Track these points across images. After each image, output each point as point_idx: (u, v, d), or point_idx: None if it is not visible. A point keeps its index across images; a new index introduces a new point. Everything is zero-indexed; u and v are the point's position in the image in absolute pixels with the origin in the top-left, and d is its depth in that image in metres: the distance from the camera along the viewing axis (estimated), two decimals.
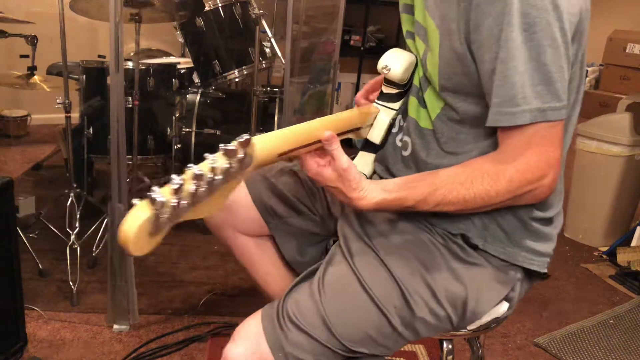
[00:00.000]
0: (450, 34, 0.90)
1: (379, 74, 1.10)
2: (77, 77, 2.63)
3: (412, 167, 1.04)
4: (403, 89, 1.06)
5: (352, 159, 1.13)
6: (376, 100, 1.09)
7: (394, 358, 1.87)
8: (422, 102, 1.01)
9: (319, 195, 1.23)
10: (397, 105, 1.07)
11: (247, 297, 2.17)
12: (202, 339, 1.90)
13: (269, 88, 2.88)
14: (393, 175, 1.07)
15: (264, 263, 1.29)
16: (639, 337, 2.14)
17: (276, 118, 2.77)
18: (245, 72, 2.74)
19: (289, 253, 1.24)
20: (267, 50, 2.78)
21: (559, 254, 2.75)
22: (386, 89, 1.08)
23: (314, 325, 0.94)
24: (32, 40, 2.47)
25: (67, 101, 2.25)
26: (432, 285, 0.97)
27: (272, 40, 2.73)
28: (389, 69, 1.03)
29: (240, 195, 1.21)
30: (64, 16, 2.17)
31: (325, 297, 0.96)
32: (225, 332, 1.93)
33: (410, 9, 1.03)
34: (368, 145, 1.11)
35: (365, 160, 1.12)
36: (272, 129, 2.73)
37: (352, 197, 0.91)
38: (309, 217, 1.24)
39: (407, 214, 1.03)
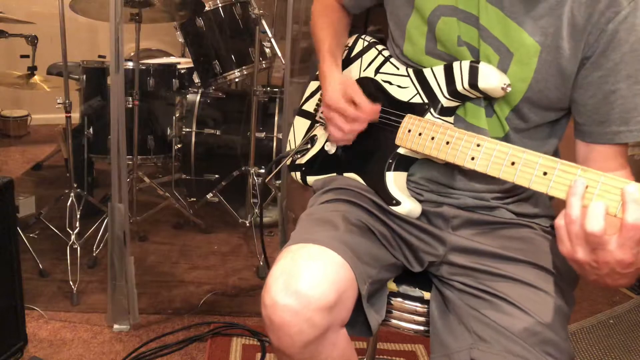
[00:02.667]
0: (559, 51, 0.93)
1: None
2: (77, 77, 2.63)
3: (480, 178, 1.03)
4: (463, 102, 1.03)
5: (376, 181, 1.09)
6: (436, 116, 1.03)
7: (394, 358, 1.88)
8: (491, 112, 1.02)
9: (391, 238, 1.06)
10: (452, 119, 1.04)
11: (247, 297, 2.17)
12: (202, 339, 1.90)
13: (269, 88, 2.88)
14: (454, 190, 1.06)
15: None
16: (639, 337, 2.14)
17: (276, 118, 2.77)
18: (245, 72, 2.74)
19: (373, 317, 1.00)
20: (267, 50, 2.78)
21: None
22: (448, 103, 1.02)
23: None
24: (32, 40, 2.48)
25: (67, 101, 2.25)
26: (568, 271, 1.00)
27: (272, 40, 2.73)
28: (510, 86, 0.96)
29: (348, 274, 0.93)
30: (64, 16, 2.17)
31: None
32: (225, 332, 1.94)
33: (463, 15, 0.99)
34: (401, 164, 1.07)
35: (401, 180, 1.08)
36: (272, 129, 2.75)
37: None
38: (388, 266, 1.05)
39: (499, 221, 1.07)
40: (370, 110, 1.08)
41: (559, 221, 0.77)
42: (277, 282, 0.88)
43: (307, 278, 0.87)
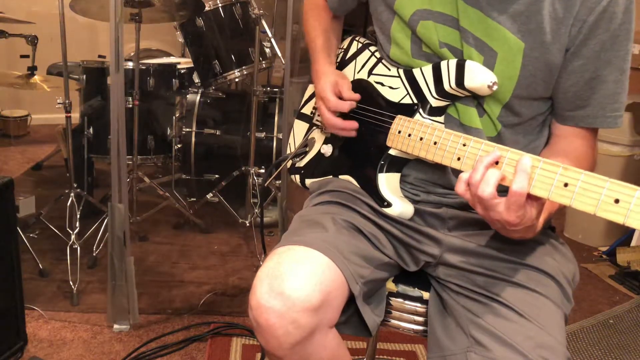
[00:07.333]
0: (544, 46, 0.94)
1: None
2: (77, 77, 2.63)
3: None
4: (452, 102, 1.02)
5: (369, 184, 1.09)
6: (425, 116, 1.02)
7: (393, 358, 1.88)
8: (482, 111, 1.01)
9: (384, 238, 1.06)
10: (442, 118, 1.03)
11: (247, 297, 2.16)
12: (202, 339, 1.90)
13: (269, 88, 2.88)
14: (446, 188, 1.06)
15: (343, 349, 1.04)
16: (639, 337, 2.14)
17: (276, 118, 2.78)
18: (245, 72, 2.74)
19: (370, 317, 1.00)
20: (267, 50, 2.78)
21: None
22: (437, 102, 1.02)
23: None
24: (32, 40, 2.47)
25: (67, 101, 2.25)
26: (565, 273, 1.01)
27: (272, 40, 2.73)
28: (496, 84, 0.95)
29: (335, 274, 0.92)
30: (64, 16, 2.18)
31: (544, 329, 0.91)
32: (225, 332, 1.94)
33: (441, 18, 0.99)
34: (393, 166, 1.07)
35: (394, 182, 1.07)
36: (272, 129, 2.75)
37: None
38: (381, 265, 1.04)
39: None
40: (349, 97, 1.11)
41: (459, 188, 0.84)
42: (262, 285, 0.89)
43: (292, 280, 0.87)
